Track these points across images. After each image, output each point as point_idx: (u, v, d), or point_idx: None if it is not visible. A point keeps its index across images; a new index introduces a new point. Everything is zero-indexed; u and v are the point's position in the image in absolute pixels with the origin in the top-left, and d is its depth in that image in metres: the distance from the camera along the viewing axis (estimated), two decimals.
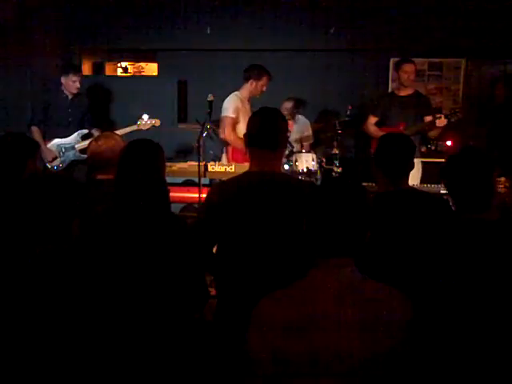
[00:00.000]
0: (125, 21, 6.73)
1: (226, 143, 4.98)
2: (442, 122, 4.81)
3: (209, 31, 6.60)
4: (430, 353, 1.73)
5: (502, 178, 3.96)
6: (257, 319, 1.53)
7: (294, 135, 5.73)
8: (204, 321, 2.44)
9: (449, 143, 5.62)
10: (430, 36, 6.39)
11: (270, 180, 2.26)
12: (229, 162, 4.87)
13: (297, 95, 6.30)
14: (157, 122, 5.08)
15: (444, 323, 1.84)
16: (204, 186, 4.26)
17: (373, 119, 5.22)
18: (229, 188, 2.34)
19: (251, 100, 5.02)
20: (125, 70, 9.06)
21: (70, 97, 5.22)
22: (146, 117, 5.07)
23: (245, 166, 2.81)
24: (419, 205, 2.41)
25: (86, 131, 5.21)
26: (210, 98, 4.43)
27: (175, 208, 4.77)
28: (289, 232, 2.19)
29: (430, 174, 5.08)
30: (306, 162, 4.90)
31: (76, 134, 5.17)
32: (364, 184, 3.96)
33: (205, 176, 4.41)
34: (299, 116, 6.22)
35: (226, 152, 5.04)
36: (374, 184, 3.17)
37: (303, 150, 5.18)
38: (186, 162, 5.03)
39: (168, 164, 4.77)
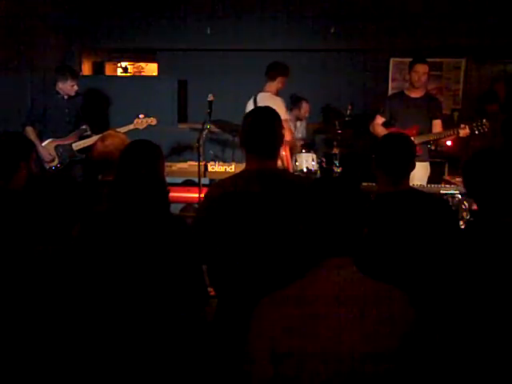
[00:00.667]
0: (125, 21, 6.75)
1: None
2: (465, 132, 4.50)
3: (209, 31, 6.60)
4: (430, 352, 1.72)
5: None
6: (257, 319, 1.53)
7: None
8: (204, 321, 2.43)
9: (449, 143, 5.58)
10: (429, 36, 6.39)
11: (268, 177, 2.26)
12: (288, 161, 4.81)
13: (297, 95, 6.31)
14: (153, 121, 5.03)
15: (448, 325, 1.84)
16: (204, 185, 4.25)
17: (380, 119, 4.96)
18: (227, 186, 2.33)
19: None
20: (125, 70, 9.07)
21: (66, 97, 5.21)
22: (141, 115, 5.06)
23: None
24: (420, 205, 2.40)
25: (83, 130, 5.20)
26: (210, 97, 4.43)
27: (175, 208, 4.75)
28: (289, 230, 2.18)
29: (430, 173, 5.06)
30: (306, 162, 4.90)
31: (73, 133, 5.17)
32: (364, 184, 3.96)
33: (205, 176, 4.41)
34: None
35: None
36: (374, 184, 3.18)
37: (303, 150, 5.18)
38: (186, 161, 5.03)
39: (168, 164, 4.78)
